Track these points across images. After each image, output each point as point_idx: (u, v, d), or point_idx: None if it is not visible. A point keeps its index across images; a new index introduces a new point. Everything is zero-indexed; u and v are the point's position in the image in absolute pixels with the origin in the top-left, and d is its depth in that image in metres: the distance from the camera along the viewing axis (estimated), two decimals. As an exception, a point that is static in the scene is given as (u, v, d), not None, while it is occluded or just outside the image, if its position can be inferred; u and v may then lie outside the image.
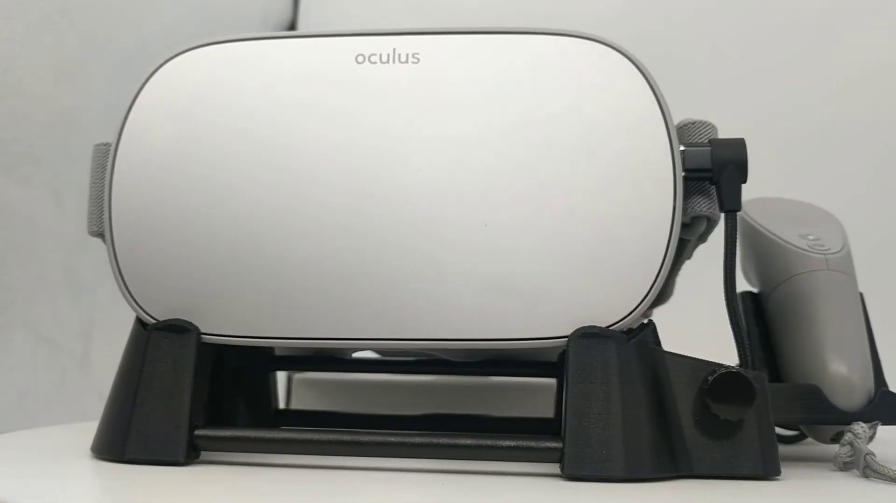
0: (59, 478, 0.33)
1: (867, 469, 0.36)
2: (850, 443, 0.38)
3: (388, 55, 0.38)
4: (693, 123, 0.39)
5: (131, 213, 0.38)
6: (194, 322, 0.37)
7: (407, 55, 0.38)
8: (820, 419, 0.40)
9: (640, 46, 0.39)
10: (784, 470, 0.38)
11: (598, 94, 0.37)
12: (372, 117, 0.38)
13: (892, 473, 0.34)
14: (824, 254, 0.44)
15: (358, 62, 0.38)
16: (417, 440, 0.34)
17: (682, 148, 0.37)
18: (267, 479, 0.33)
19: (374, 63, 0.38)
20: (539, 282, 0.36)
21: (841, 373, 0.40)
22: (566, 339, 0.35)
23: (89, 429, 0.38)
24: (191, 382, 0.36)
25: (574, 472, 0.33)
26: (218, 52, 0.39)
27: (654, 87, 0.37)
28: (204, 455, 0.37)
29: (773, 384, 0.41)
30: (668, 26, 0.80)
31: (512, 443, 0.34)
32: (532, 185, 0.36)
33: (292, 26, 0.83)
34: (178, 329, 0.37)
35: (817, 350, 0.41)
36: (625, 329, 0.36)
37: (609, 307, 0.36)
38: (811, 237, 0.46)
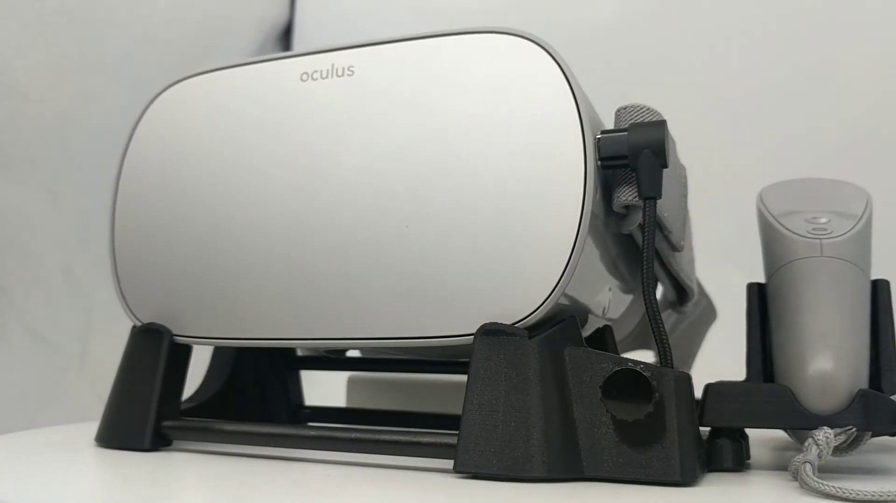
0: (56, 476, 0.35)
1: (801, 479, 0.32)
2: (809, 450, 0.34)
3: (327, 71, 0.41)
4: (625, 108, 0.38)
5: (127, 232, 0.44)
6: (169, 325, 0.42)
7: (343, 69, 0.40)
8: (784, 423, 0.36)
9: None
10: (734, 476, 0.35)
11: (511, 88, 0.37)
12: (313, 131, 0.40)
13: (815, 484, 0.31)
14: (821, 238, 0.39)
15: (302, 80, 0.41)
16: (317, 433, 0.36)
17: (598, 136, 0.36)
18: (213, 464, 0.37)
19: (316, 79, 0.41)
20: (454, 281, 0.36)
21: (817, 371, 0.36)
22: (473, 337, 0.35)
23: (86, 429, 0.43)
24: (161, 378, 0.41)
25: (462, 469, 0.33)
26: (193, 85, 0.44)
27: (568, 75, 0.36)
28: (185, 445, 0.42)
29: (729, 383, 0.38)
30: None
31: (407, 439, 0.35)
32: (449, 185, 0.37)
33: (289, 27, 0.84)
34: (154, 331, 0.42)
35: (795, 345, 0.37)
36: (531, 324, 0.35)
37: (517, 304, 0.35)
38: (823, 220, 0.41)
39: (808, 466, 0.32)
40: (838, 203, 0.43)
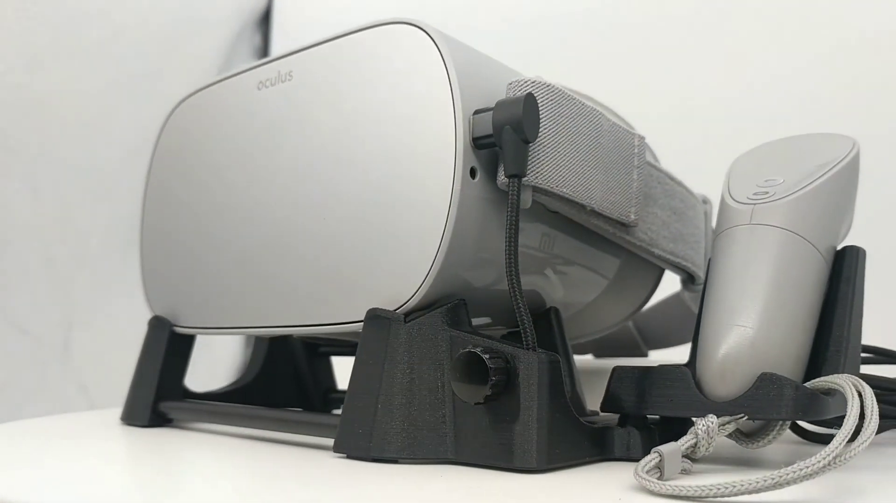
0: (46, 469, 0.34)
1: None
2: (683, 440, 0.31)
3: (275, 78, 0.44)
4: (511, 84, 0.36)
5: (148, 239, 0.50)
6: (170, 317, 0.47)
7: (285, 75, 0.43)
8: (677, 409, 0.33)
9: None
10: (613, 466, 0.33)
11: (397, 75, 0.37)
12: (263, 136, 0.43)
13: (637, 478, 0.28)
14: (754, 203, 0.35)
15: (258, 89, 0.44)
16: (236, 411, 0.40)
17: (472, 115, 0.35)
18: (188, 440, 0.42)
19: (268, 87, 0.44)
20: (352, 269, 0.37)
21: (716, 353, 0.32)
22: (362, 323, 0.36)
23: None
24: (160, 364, 0.47)
25: (337, 449, 0.35)
26: (191, 104, 0.49)
27: (445, 56, 0.35)
28: (188, 424, 0.47)
29: (632, 367, 0.35)
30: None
31: (296, 418, 0.37)
32: (347, 178, 0.38)
33: (267, 14, 0.81)
34: (159, 322, 0.48)
35: (705, 324, 0.34)
36: (412, 309, 0.35)
37: (400, 290, 0.36)
38: (779, 181, 0.36)
39: (649, 457, 0.29)
40: (806, 161, 0.37)
